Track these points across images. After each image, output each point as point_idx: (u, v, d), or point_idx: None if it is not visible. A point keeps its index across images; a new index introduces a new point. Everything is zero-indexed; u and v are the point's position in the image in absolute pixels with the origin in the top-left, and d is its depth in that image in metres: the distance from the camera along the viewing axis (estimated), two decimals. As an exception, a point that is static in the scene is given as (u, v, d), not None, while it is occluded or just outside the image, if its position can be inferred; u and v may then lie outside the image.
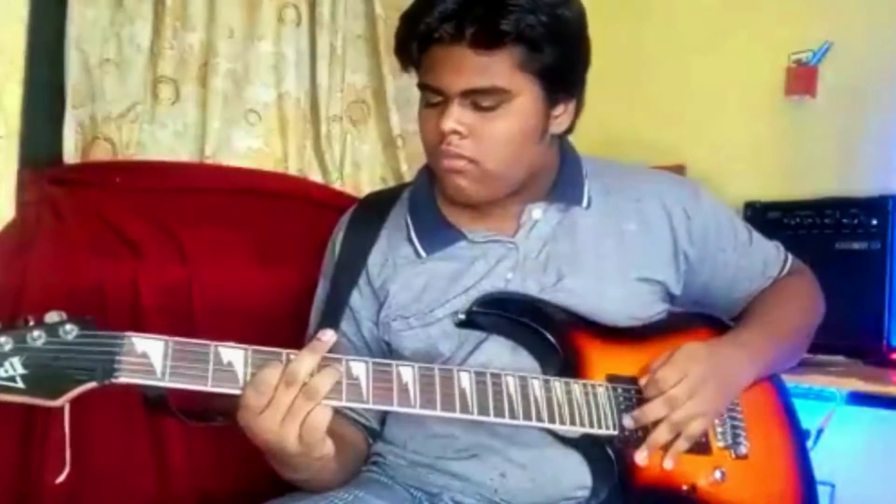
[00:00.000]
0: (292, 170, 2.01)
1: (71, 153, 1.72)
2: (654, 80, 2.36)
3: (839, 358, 1.79)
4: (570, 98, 1.23)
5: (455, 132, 1.16)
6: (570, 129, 1.29)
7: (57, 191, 1.58)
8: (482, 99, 1.15)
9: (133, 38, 1.83)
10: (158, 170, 1.78)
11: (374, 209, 1.37)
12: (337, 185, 2.03)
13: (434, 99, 1.19)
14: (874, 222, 1.89)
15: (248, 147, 1.96)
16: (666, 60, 2.35)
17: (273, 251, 1.65)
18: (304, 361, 0.98)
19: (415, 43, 1.18)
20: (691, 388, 1.14)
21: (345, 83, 2.08)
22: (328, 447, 1.02)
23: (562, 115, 1.24)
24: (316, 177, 2.05)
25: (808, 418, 1.41)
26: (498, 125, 1.16)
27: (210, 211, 1.70)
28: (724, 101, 2.25)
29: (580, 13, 1.21)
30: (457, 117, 1.15)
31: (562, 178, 1.30)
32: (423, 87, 1.21)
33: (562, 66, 1.18)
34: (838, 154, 2.07)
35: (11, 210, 1.52)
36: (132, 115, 1.82)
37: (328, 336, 1.00)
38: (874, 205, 1.90)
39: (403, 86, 2.14)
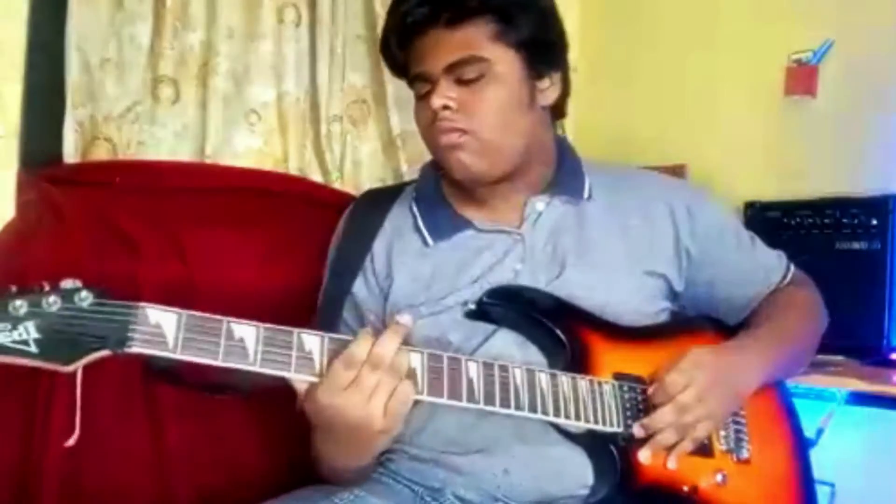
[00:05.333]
0: (292, 169, 2.01)
1: (71, 153, 1.72)
2: (654, 80, 2.36)
3: (839, 358, 1.79)
4: (554, 71, 1.28)
5: (445, 107, 1.21)
6: (561, 110, 1.33)
7: (57, 191, 1.58)
8: (464, 71, 1.21)
9: (133, 38, 1.83)
10: (158, 170, 1.78)
11: (377, 202, 1.40)
12: (337, 185, 2.03)
13: (424, 89, 1.25)
14: (874, 222, 1.89)
15: (248, 147, 1.97)
16: (666, 60, 2.35)
17: (274, 251, 1.65)
18: (389, 345, 1.00)
19: (395, 36, 1.26)
20: (699, 394, 1.15)
21: (345, 83, 2.08)
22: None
23: (548, 88, 1.28)
24: (316, 176, 2.05)
25: (808, 418, 1.41)
26: (485, 94, 1.22)
27: (210, 211, 1.70)
28: (724, 101, 2.25)
29: None
30: (444, 93, 1.21)
31: (561, 170, 1.33)
32: (412, 81, 1.28)
33: (538, 38, 1.24)
34: (838, 154, 2.06)
35: (11, 210, 1.52)
36: (132, 115, 1.82)
37: (406, 319, 1.03)
38: (874, 205, 1.90)
39: (403, 86, 2.12)
